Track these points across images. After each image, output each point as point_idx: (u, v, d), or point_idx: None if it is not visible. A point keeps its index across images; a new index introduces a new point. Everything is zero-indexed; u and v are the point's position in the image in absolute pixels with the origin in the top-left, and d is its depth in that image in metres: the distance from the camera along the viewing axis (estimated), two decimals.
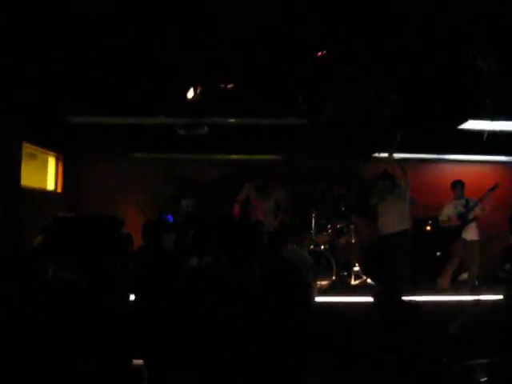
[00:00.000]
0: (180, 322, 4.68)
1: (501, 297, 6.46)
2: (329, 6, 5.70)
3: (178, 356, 4.62)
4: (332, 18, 5.91)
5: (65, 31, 6.18)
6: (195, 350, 4.49)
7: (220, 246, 4.90)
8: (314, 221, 9.05)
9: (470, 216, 8.19)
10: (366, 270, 8.90)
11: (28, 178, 8.66)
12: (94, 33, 6.27)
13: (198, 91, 7.66)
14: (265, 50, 6.76)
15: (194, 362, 4.47)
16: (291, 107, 8.23)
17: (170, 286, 4.69)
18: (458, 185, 8.48)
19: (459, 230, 8.20)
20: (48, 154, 9.83)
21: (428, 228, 9.84)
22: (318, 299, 6.48)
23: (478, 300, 7.05)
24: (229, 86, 7.50)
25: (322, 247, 8.91)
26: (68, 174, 10.20)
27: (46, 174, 9.89)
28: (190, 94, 7.72)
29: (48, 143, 9.42)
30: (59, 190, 10.05)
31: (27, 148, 8.66)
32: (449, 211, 8.42)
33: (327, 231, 9.12)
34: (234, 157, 10.73)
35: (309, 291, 5.55)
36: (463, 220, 8.17)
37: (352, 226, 9.25)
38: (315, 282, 7.55)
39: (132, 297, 4.98)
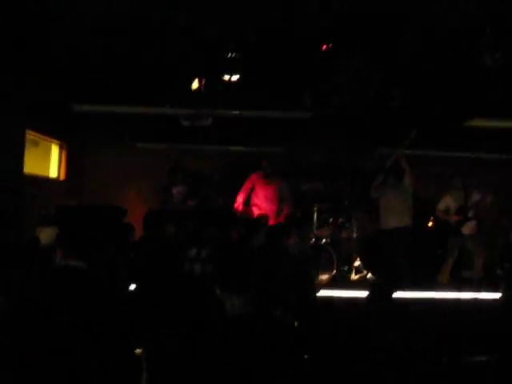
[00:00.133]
0: (179, 311, 4.70)
1: (499, 295, 6.50)
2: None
3: (176, 345, 4.64)
4: (336, 12, 5.90)
5: (69, 18, 6.17)
6: (194, 339, 4.51)
7: (218, 239, 4.91)
8: (315, 215, 9.05)
9: (470, 214, 8.17)
10: (366, 265, 8.90)
11: (31, 166, 8.67)
12: (99, 20, 6.26)
13: (203, 82, 7.66)
14: (270, 43, 6.75)
15: (192, 351, 4.50)
16: (296, 100, 8.22)
17: (170, 277, 4.70)
18: (457, 176, 8.44)
19: (458, 226, 8.18)
20: (51, 142, 9.83)
21: (429, 224, 9.84)
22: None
23: (477, 298, 7.06)
24: (234, 78, 7.49)
25: (324, 241, 8.91)
26: (71, 161, 10.20)
27: (49, 161, 9.90)
28: (195, 84, 7.72)
29: (51, 131, 9.41)
30: (62, 177, 10.06)
31: (30, 135, 8.66)
32: (448, 202, 8.38)
33: (329, 225, 9.12)
34: (236, 149, 10.72)
35: (309, 284, 5.58)
36: (463, 216, 8.14)
37: (354, 221, 9.24)
38: (316, 275, 7.59)
39: (132, 286, 5.00)
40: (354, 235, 9.15)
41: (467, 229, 8.24)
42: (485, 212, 8.40)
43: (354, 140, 10.10)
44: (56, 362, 2.91)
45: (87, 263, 3.28)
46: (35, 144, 9.24)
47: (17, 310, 3.11)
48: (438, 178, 10.10)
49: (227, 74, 7.42)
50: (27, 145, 8.36)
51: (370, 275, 8.59)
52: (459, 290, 7.59)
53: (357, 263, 8.84)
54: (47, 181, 9.60)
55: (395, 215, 8.30)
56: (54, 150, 9.98)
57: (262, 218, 7.74)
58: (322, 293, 6.94)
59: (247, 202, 8.82)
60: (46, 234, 5.14)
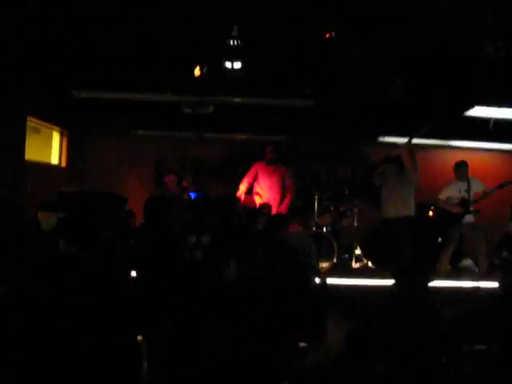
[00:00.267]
0: (179, 298, 4.72)
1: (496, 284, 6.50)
2: None
3: (176, 331, 4.66)
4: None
5: (70, 3, 6.15)
6: (194, 325, 4.54)
7: (219, 226, 4.92)
8: (316, 203, 9.06)
9: (472, 208, 8.16)
10: (367, 254, 8.92)
11: (32, 152, 8.68)
12: (100, 5, 6.24)
13: (205, 69, 7.64)
14: (272, 30, 6.73)
15: (192, 337, 4.52)
16: (297, 88, 8.20)
17: (170, 264, 4.72)
18: (461, 166, 8.39)
19: (460, 218, 8.17)
20: (52, 129, 9.82)
21: (430, 213, 9.83)
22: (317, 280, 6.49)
23: (478, 287, 7.06)
24: (236, 66, 7.47)
25: (325, 229, 8.92)
26: (72, 148, 10.20)
27: (50, 148, 9.90)
28: (197, 71, 7.70)
29: (52, 118, 9.40)
30: (63, 164, 10.06)
31: (31, 122, 8.66)
32: (450, 192, 8.36)
33: (330, 213, 9.13)
34: (238, 136, 10.71)
35: (307, 272, 5.59)
36: (466, 209, 8.13)
37: (355, 209, 9.25)
38: (317, 263, 7.60)
39: (133, 273, 5.01)
40: (355, 224, 9.16)
41: (468, 217, 8.23)
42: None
43: (355, 128, 10.09)
44: (58, 345, 2.94)
45: (88, 250, 3.30)
46: (36, 131, 9.24)
47: (20, 295, 3.13)
48: (441, 168, 10.13)
49: (229, 61, 7.40)
50: (28, 132, 8.35)
51: (370, 264, 8.60)
52: (459, 278, 7.61)
53: (357, 252, 8.84)
54: (48, 167, 9.60)
55: (397, 204, 8.29)
56: (55, 137, 9.97)
57: (265, 207, 7.75)
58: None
59: (249, 191, 8.82)
60: (47, 220, 5.15)
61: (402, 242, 8.23)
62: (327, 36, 6.77)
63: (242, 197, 8.65)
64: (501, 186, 8.20)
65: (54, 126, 9.76)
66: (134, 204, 7.38)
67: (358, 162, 10.93)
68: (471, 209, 8.16)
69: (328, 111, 9.16)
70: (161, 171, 8.65)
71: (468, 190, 8.21)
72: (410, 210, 8.32)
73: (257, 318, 4.21)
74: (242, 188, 8.65)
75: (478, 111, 7.98)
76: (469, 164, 8.45)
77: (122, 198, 7.59)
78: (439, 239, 9.09)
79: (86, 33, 6.84)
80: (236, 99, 8.98)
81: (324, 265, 8.31)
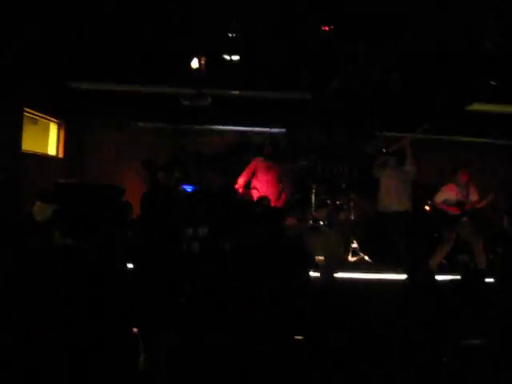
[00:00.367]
0: (176, 289, 4.73)
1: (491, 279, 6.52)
2: None
3: (172, 322, 4.68)
4: None
5: None
6: (190, 315, 4.55)
7: (216, 218, 4.93)
8: (313, 196, 9.06)
9: (467, 210, 8.15)
10: (364, 247, 8.92)
11: (30, 143, 8.67)
12: None
13: (203, 62, 7.63)
14: (270, 23, 6.72)
15: (189, 327, 4.54)
16: (296, 82, 8.20)
17: (167, 256, 4.73)
18: (461, 171, 8.31)
19: (456, 219, 8.17)
20: (50, 120, 9.81)
21: (427, 208, 9.85)
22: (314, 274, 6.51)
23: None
24: (234, 58, 7.46)
25: (321, 223, 8.93)
26: (70, 139, 10.19)
27: (47, 138, 9.89)
28: (195, 64, 7.69)
29: (49, 109, 9.39)
30: (60, 155, 10.06)
31: (29, 113, 8.65)
32: (447, 196, 8.33)
33: (327, 207, 9.13)
34: (236, 129, 10.71)
35: (305, 265, 5.60)
36: (462, 211, 8.12)
37: (352, 203, 9.25)
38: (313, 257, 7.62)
39: (130, 265, 5.02)
40: (352, 217, 9.17)
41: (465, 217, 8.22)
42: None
43: (353, 122, 10.11)
44: (57, 337, 2.95)
45: (85, 242, 3.30)
46: (34, 122, 9.23)
47: (18, 287, 3.13)
48: (438, 163, 10.15)
49: (228, 54, 7.39)
50: (26, 122, 8.34)
51: (366, 258, 8.62)
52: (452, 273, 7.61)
53: (354, 245, 8.85)
54: (46, 158, 9.59)
55: (394, 199, 8.31)
56: (53, 128, 9.96)
57: (265, 199, 7.74)
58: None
59: (247, 186, 8.81)
60: (42, 212, 5.14)
61: (399, 236, 8.25)
62: (326, 29, 6.75)
63: (240, 190, 8.65)
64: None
65: (51, 118, 9.74)
66: (131, 196, 7.37)
67: (355, 155, 10.94)
68: (467, 211, 8.15)
69: (326, 105, 9.16)
70: (151, 170, 8.59)
71: (466, 194, 8.18)
72: (408, 204, 8.34)
73: (256, 313, 4.24)
74: (241, 182, 8.65)
75: (477, 107, 7.99)
76: (468, 171, 8.38)
77: (119, 189, 7.59)
78: (435, 234, 9.10)
79: (85, 24, 6.81)
80: (234, 92, 8.98)
81: (320, 258, 8.33)
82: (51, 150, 9.93)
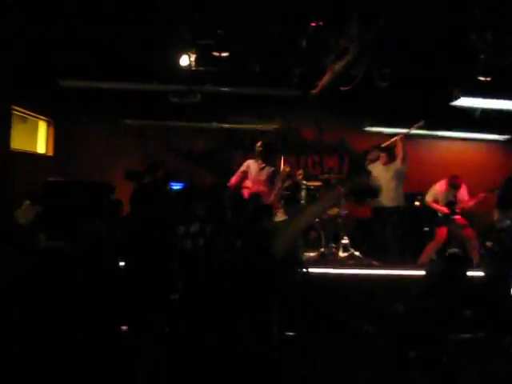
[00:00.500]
0: (167, 287, 4.74)
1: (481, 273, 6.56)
2: None
3: (163, 319, 4.69)
4: None
5: None
6: (181, 311, 4.56)
7: (207, 215, 4.93)
8: (303, 192, 9.05)
9: (457, 210, 8.18)
10: (354, 243, 8.93)
11: (18, 141, 8.63)
12: None
13: (192, 59, 7.61)
14: (260, 20, 6.72)
15: (180, 324, 4.55)
16: (285, 78, 8.20)
17: (157, 253, 4.72)
18: (455, 182, 8.29)
19: (446, 218, 8.21)
20: (39, 118, 9.77)
21: (417, 203, 9.90)
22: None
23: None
24: (223, 55, 7.45)
25: None
26: (59, 137, 10.15)
27: (36, 137, 9.85)
28: (184, 61, 7.67)
29: (38, 107, 9.35)
30: (50, 153, 10.02)
31: (17, 111, 8.61)
32: (438, 196, 8.36)
33: None
34: (226, 126, 10.70)
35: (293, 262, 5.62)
36: (451, 211, 8.16)
37: (342, 199, 9.24)
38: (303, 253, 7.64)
39: (121, 263, 5.01)
40: (342, 213, 9.16)
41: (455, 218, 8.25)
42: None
43: (342, 119, 10.15)
44: (49, 338, 2.94)
45: (72, 243, 3.26)
46: (23, 120, 9.19)
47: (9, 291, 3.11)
48: (428, 158, 10.21)
49: (217, 50, 7.38)
50: (15, 121, 8.29)
51: (357, 253, 8.63)
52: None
53: (344, 241, 8.86)
54: (35, 157, 9.56)
55: (386, 194, 8.36)
56: (42, 126, 9.92)
57: (257, 195, 7.72)
58: (310, 270, 7.01)
59: (239, 186, 8.81)
60: (27, 213, 5.06)
61: (390, 231, 8.30)
62: (314, 25, 6.75)
63: (231, 189, 8.66)
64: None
65: (40, 116, 9.70)
66: (122, 193, 7.35)
67: (345, 151, 10.99)
68: (458, 210, 8.19)
69: (315, 101, 9.18)
70: (137, 178, 8.50)
71: (456, 194, 8.21)
72: (400, 201, 8.38)
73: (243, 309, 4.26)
74: (232, 182, 8.65)
75: (465, 102, 8.01)
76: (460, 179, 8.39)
77: (109, 186, 7.56)
78: (425, 229, 9.16)
79: (73, 22, 6.78)
80: (223, 88, 8.97)
81: (311, 254, 8.35)
82: (40, 148, 9.89)
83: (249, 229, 5.24)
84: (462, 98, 7.63)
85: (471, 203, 8.14)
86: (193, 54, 7.58)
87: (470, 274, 7.02)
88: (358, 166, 9.08)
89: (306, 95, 8.90)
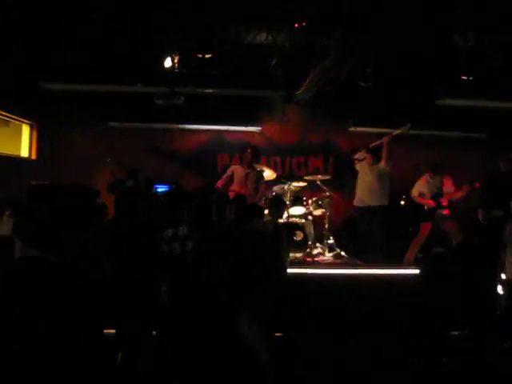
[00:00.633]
0: (156, 291, 4.73)
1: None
2: None
3: (152, 322, 4.68)
4: None
5: None
6: (170, 316, 4.55)
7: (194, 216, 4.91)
8: (289, 193, 9.06)
9: (443, 202, 8.23)
10: (340, 243, 8.96)
11: (1, 145, 8.58)
12: None
13: (176, 60, 7.60)
14: (244, 21, 6.73)
15: (170, 327, 4.54)
16: (269, 80, 8.22)
17: (146, 257, 4.71)
18: (435, 167, 8.38)
19: (432, 212, 8.26)
20: (22, 122, 9.70)
21: (402, 202, 9.96)
22: (292, 271, 6.57)
23: None
24: (207, 56, 7.45)
25: (297, 219, 8.95)
26: (43, 141, 10.09)
27: (19, 140, 9.78)
28: (167, 63, 7.66)
29: (21, 111, 9.29)
30: (33, 156, 9.95)
31: (0, 114, 8.55)
32: (423, 189, 8.42)
33: (302, 203, 9.13)
34: (210, 127, 10.71)
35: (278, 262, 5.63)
36: (437, 204, 8.21)
37: (328, 199, 9.26)
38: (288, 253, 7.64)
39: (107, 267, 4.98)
40: (328, 213, 9.18)
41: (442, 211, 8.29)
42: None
43: (327, 119, 10.18)
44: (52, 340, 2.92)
45: (52, 253, 3.18)
46: (5, 123, 9.12)
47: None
48: (411, 157, 10.25)
49: (200, 52, 7.38)
50: None
51: (343, 253, 8.66)
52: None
53: (330, 241, 8.89)
54: (18, 160, 9.49)
55: (371, 194, 8.40)
56: (25, 130, 9.85)
57: (242, 197, 7.72)
58: (296, 270, 7.03)
59: (225, 189, 8.82)
60: (7, 225, 4.98)
61: (375, 230, 8.33)
62: (297, 26, 6.76)
63: (220, 184, 8.69)
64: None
65: (23, 119, 9.64)
66: (107, 197, 7.31)
67: (330, 151, 11.02)
68: (443, 204, 8.23)
69: (300, 102, 9.21)
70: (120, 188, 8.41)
71: (440, 187, 8.26)
72: (385, 200, 8.42)
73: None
74: (219, 185, 8.67)
75: (448, 101, 8.09)
76: (444, 166, 8.46)
77: (94, 190, 7.52)
78: (410, 229, 9.20)
79: (57, 25, 6.74)
80: (207, 90, 8.97)
81: (297, 254, 8.36)
82: (24, 152, 9.82)
83: (236, 230, 5.25)
84: (445, 98, 7.70)
85: (458, 195, 8.15)
86: (176, 55, 7.58)
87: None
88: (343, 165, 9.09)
89: (290, 96, 8.93)
